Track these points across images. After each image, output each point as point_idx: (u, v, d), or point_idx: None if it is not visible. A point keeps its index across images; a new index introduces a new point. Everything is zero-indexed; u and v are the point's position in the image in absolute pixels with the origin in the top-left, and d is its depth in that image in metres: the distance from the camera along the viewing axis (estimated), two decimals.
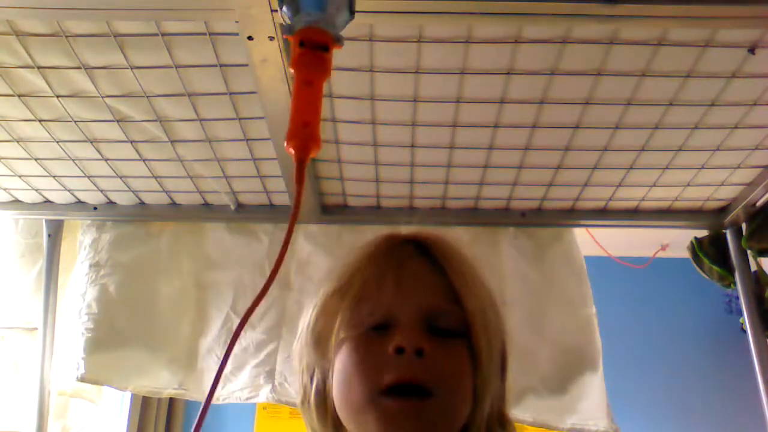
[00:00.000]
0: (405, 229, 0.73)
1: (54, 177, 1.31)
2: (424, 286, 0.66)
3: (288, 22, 0.67)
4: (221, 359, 0.56)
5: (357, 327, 0.65)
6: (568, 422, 1.36)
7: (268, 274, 1.53)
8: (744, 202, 1.33)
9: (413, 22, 0.91)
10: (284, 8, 0.67)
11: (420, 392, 0.59)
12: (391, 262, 0.68)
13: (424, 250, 0.69)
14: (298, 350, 0.72)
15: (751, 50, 0.94)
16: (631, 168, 1.25)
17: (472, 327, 0.64)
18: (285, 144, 0.61)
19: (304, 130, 0.61)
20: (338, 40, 0.66)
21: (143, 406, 2.18)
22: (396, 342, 0.61)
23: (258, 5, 0.80)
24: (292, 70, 0.64)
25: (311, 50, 0.63)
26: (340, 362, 0.64)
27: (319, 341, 0.68)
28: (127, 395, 2.14)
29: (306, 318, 0.71)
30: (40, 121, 1.13)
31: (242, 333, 1.41)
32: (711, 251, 1.43)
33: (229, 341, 1.41)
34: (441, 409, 0.60)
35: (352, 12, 0.69)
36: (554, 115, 1.10)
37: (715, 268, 1.42)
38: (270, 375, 1.38)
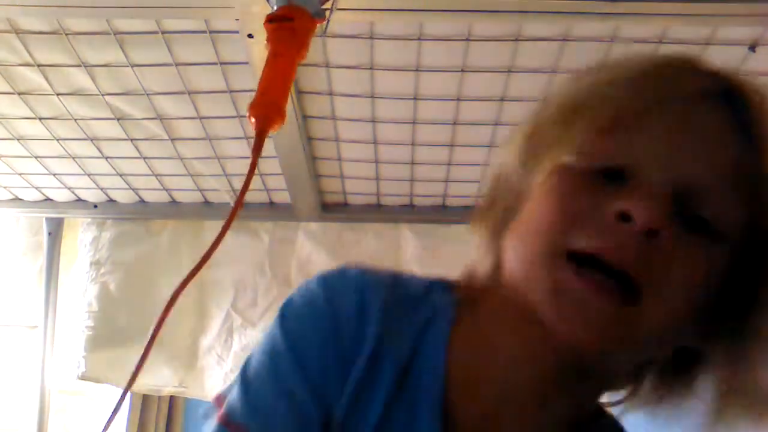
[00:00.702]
0: (709, 65, 0.48)
1: (54, 175, 1.31)
2: (704, 148, 0.43)
3: (273, 9, 0.68)
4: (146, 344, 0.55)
5: (584, 158, 0.44)
6: None
7: (268, 272, 1.53)
8: None
9: (414, 19, 0.91)
10: None
11: (624, 283, 0.40)
12: (666, 90, 0.45)
13: (727, 98, 0.45)
14: (505, 155, 0.50)
15: (752, 48, 0.94)
16: None
17: (760, 214, 0.43)
18: (247, 114, 0.61)
19: (265, 99, 0.61)
20: (317, 14, 0.66)
21: (143, 405, 2.18)
22: (625, 203, 0.41)
23: (258, 3, 0.80)
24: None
25: (278, 24, 0.64)
26: (539, 195, 0.46)
27: (530, 156, 0.48)
28: (128, 393, 2.14)
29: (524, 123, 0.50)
30: (40, 119, 1.12)
31: (243, 332, 1.42)
32: None
33: (225, 338, 1.42)
34: (643, 319, 0.41)
35: None
36: None
37: None
38: None
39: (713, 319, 0.45)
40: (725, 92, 0.45)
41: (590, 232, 0.42)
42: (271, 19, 0.65)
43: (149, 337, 0.55)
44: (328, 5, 0.69)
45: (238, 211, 0.59)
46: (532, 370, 0.46)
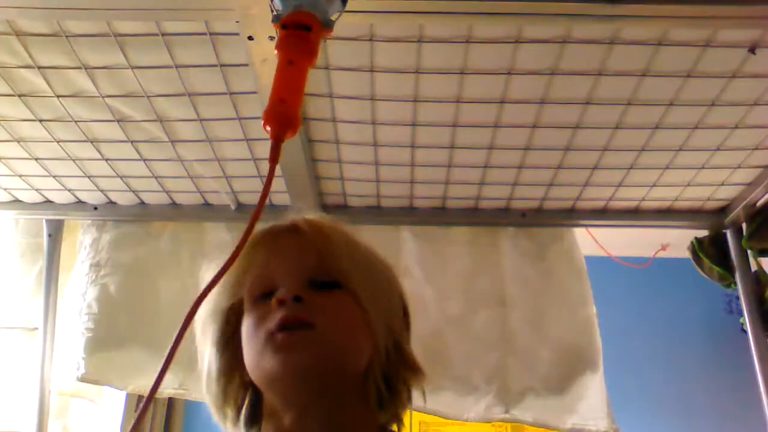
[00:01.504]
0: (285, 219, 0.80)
1: (54, 177, 1.31)
2: (296, 252, 0.73)
3: (277, 11, 0.67)
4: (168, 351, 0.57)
5: (248, 299, 0.72)
6: (568, 422, 1.36)
7: None
8: (744, 202, 1.33)
9: (414, 21, 0.91)
10: None
11: (304, 326, 0.66)
12: (266, 241, 0.75)
13: (296, 229, 0.76)
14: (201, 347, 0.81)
15: (752, 50, 0.94)
16: (631, 168, 1.25)
17: (342, 273, 0.70)
18: (262, 122, 0.61)
19: (281, 109, 0.61)
20: (327, 25, 0.66)
21: (139, 406, 2.17)
22: (277, 297, 0.68)
23: (258, 5, 0.80)
24: (275, 52, 0.64)
25: (293, 30, 0.64)
26: (242, 331, 0.72)
27: (218, 318, 0.76)
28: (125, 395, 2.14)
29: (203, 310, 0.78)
30: (40, 120, 1.13)
31: None
32: (711, 251, 1.43)
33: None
34: (325, 338, 0.66)
35: (344, 1, 0.69)
36: (554, 115, 1.10)
37: (715, 268, 1.42)
38: None
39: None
40: (293, 228, 0.76)
41: (271, 320, 0.67)
42: (285, 25, 0.64)
43: (169, 347, 0.56)
44: (334, 17, 0.69)
45: (257, 220, 0.62)
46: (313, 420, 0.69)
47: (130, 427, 2.00)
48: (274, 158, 0.61)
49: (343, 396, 0.69)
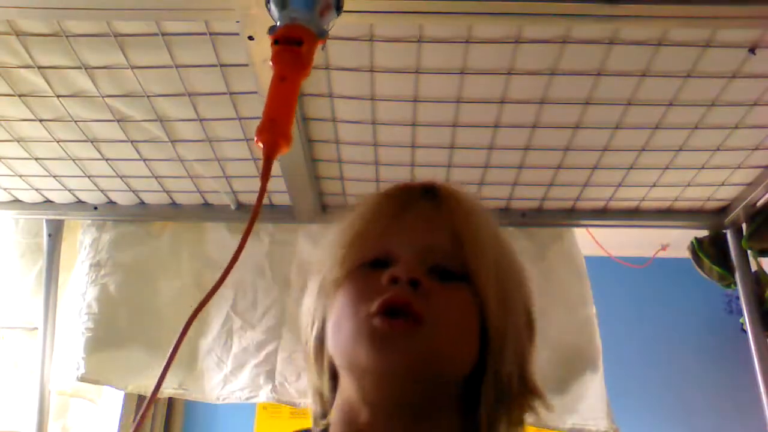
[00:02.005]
0: (420, 182, 0.70)
1: (54, 177, 1.31)
2: (427, 226, 0.64)
3: (275, 21, 0.68)
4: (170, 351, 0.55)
5: (354, 264, 0.62)
6: (568, 422, 1.36)
7: (268, 273, 1.53)
8: (744, 202, 1.33)
9: (413, 22, 0.91)
10: (270, 7, 0.68)
11: (411, 318, 0.57)
12: (394, 202, 0.66)
13: (433, 197, 0.67)
14: (305, 306, 0.70)
15: (752, 50, 0.94)
16: (631, 168, 1.25)
17: (475, 269, 0.60)
18: (255, 138, 0.61)
19: (273, 126, 0.61)
20: (321, 35, 0.66)
21: (138, 406, 2.17)
22: (390, 272, 0.58)
23: (258, 5, 0.80)
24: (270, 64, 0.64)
25: (285, 46, 0.64)
26: (336, 300, 0.62)
27: (321, 286, 0.66)
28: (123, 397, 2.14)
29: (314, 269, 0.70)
30: (40, 120, 1.13)
31: (242, 334, 1.42)
32: (711, 251, 1.43)
33: (225, 340, 1.42)
34: (434, 338, 0.57)
35: (339, 9, 0.70)
36: (554, 115, 1.10)
37: (715, 268, 1.42)
38: (270, 375, 1.38)
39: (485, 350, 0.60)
40: (429, 193, 0.67)
41: (376, 298, 0.57)
42: (277, 40, 0.64)
43: (171, 349, 0.55)
44: (328, 27, 0.69)
45: (251, 229, 0.60)
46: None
47: (128, 427, 2.01)
48: (265, 175, 0.61)
49: (431, 405, 0.60)
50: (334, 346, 0.61)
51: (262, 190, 0.61)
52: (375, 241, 0.63)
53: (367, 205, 0.67)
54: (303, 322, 0.69)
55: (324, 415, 0.67)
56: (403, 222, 0.64)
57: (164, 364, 0.55)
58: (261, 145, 0.61)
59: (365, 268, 0.62)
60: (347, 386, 0.62)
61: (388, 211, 0.65)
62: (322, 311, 0.65)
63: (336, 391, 0.65)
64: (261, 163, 1.27)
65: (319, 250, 0.71)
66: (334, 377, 0.65)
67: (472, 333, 0.60)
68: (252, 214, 0.59)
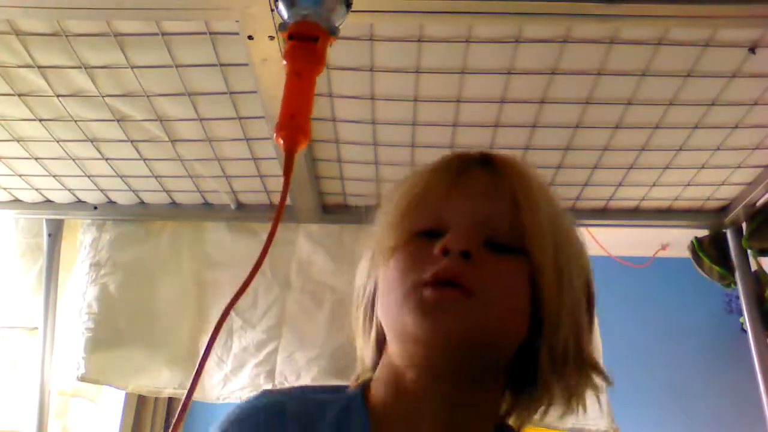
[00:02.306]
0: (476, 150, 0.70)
1: (54, 176, 1.31)
2: (484, 195, 0.63)
3: (283, 19, 0.67)
4: (201, 355, 0.55)
5: (408, 232, 0.62)
6: (568, 422, 1.36)
7: (268, 273, 1.53)
8: (744, 202, 1.33)
9: (414, 21, 0.91)
10: (279, 5, 0.68)
11: (461, 290, 0.57)
12: (450, 170, 0.65)
13: (489, 165, 0.66)
14: (359, 272, 0.71)
15: (752, 50, 0.94)
16: (631, 168, 1.25)
17: (532, 240, 0.59)
18: (274, 136, 0.61)
19: (292, 122, 0.61)
20: (332, 32, 0.66)
21: (138, 406, 2.17)
22: (443, 243, 0.58)
23: (258, 4, 0.80)
24: (284, 62, 0.64)
25: (300, 42, 0.64)
26: (387, 268, 0.62)
27: (375, 253, 0.66)
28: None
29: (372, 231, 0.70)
30: (40, 120, 1.13)
31: (242, 333, 1.42)
32: (711, 251, 1.43)
33: (225, 339, 1.42)
34: (484, 310, 0.57)
35: (348, 6, 0.70)
36: (554, 115, 1.10)
37: (715, 267, 1.42)
38: (270, 375, 1.38)
39: (536, 322, 0.60)
40: (486, 161, 0.66)
41: (427, 268, 0.58)
42: (292, 35, 0.64)
43: (203, 351, 0.55)
44: (339, 24, 0.69)
45: (276, 230, 0.59)
46: (432, 390, 0.60)
47: (128, 427, 2.00)
48: (287, 171, 0.61)
49: (478, 372, 0.60)
50: (383, 313, 0.62)
51: (286, 185, 0.60)
52: (430, 209, 0.62)
53: (423, 173, 0.67)
54: (356, 288, 0.70)
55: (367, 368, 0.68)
56: (459, 190, 0.63)
57: (195, 368, 0.56)
58: (281, 141, 0.61)
59: (419, 237, 0.61)
60: (394, 351, 0.62)
61: (445, 179, 0.64)
62: (375, 278, 0.66)
63: (379, 359, 0.66)
64: (262, 162, 1.27)
65: (374, 218, 0.71)
66: (379, 345, 0.66)
67: (524, 305, 0.59)
68: (278, 209, 0.59)
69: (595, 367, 0.63)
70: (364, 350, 0.68)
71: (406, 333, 0.58)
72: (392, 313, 0.60)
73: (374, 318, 0.66)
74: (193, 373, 0.55)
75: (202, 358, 0.54)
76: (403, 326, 0.58)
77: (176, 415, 0.51)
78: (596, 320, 1.42)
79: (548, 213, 0.62)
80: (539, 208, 0.61)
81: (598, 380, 0.63)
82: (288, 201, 1.36)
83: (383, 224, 0.66)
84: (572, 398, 0.62)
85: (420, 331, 0.56)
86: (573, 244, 0.65)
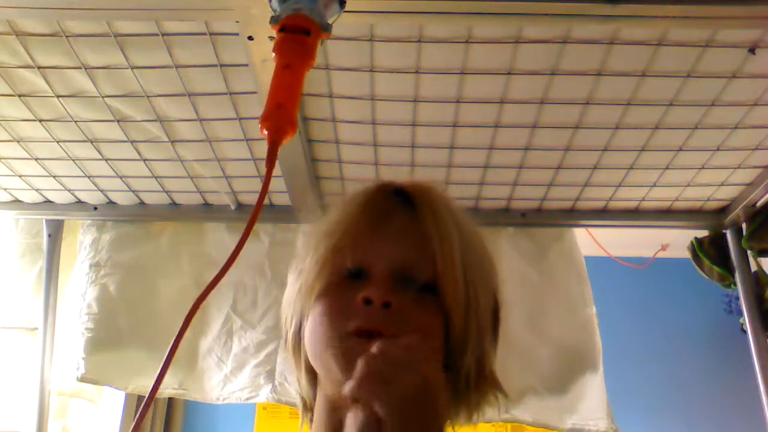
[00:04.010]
0: (399, 180, 0.73)
1: (54, 177, 1.31)
2: (401, 239, 0.66)
3: (276, 13, 0.67)
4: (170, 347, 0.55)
5: (334, 274, 0.66)
6: (568, 422, 1.36)
7: (268, 273, 1.53)
8: (744, 202, 1.33)
9: (413, 22, 0.91)
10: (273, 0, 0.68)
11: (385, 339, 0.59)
12: (374, 212, 0.68)
13: (410, 205, 0.69)
14: (286, 299, 0.73)
15: (752, 50, 0.94)
16: (631, 168, 1.25)
17: (441, 284, 0.64)
18: (259, 126, 0.61)
19: (279, 112, 0.61)
20: (325, 29, 0.66)
21: (138, 406, 2.17)
22: (364, 293, 0.62)
23: (258, 5, 0.80)
24: (273, 54, 0.64)
25: (291, 34, 0.64)
26: (314, 306, 0.66)
27: (301, 287, 0.69)
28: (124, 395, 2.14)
29: (295, 266, 0.73)
30: (40, 121, 1.13)
31: (242, 334, 1.42)
32: (711, 251, 1.43)
33: (225, 340, 1.42)
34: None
35: (342, 3, 0.70)
36: (554, 115, 1.10)
37: (715, 268, 1.42)
38: (270, 375, 1.38)
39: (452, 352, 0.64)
40: (406, 200, 0.69)
41: (351, 318, 0.61)
42: (283, 28, 0.64)
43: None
44: (332, 21, 0.69)
45: (254, 224, 0.60)
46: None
47: (129, 427, 2.01)
48: (270, 161, 0.60)
49: (409, 408, 0.60)
50: (310, 354, 0.65)
51: (268, 177, 0.60)
52: (355, 250, 0.66)
53: (347, 212, 0.69)
54: (282, 315, 0.73)
55: (308, 409, 0.72)
56: (379, 235, 0.67)
57: (162, 363, 0.55)
58: (266, 132, 0.60)
59: (342, 279, 0.65)
60: (326, 385, 0.66)
61: (366, 223, 0.67)
62: (300, 311, 0.70)
63: (314, 385, 0.69)
64: (262, 162, 1.27)
65: (301, 243, 0.73)
66: (313, 375, 0.69)
67: (439, 343, 0.63)
68: (257, 202, 0.60)
69: (495, 385, 0.67)
70: (300, 379, 0.71)
71: (331, 376, 0.62)
72: (320, 357, 0.64)
73: (302, 350, 0.69)
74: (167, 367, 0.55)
75: (171, 348, 0.54)
76: (331, 372, 0.62)
77: (140, 409, 0.51)
78: (596, 321, 1.42)
79: (460, 247, 0.66)
80: (452, 249, 0.65)
81: (498, 395, 0.68)
82: (288, 201, 1.36)
83: (309, 260, 0.68)
84: (472, 415, 0.67)
85: (347, 378, 0.55)
86: (482, 270, 0.68)
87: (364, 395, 0.51)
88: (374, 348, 0.53)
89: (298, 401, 0.74)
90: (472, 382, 0.65)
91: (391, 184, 0.73)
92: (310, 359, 0.66)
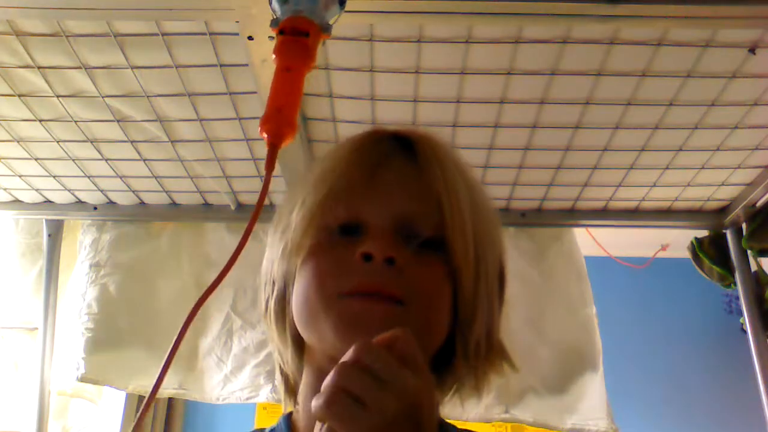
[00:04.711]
0: (395, 126, 0.66)
1: (54, 177, 1.31)
2: (402, 189, 0.59)
3: (276, 15, 0.67)
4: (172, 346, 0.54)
5: (325, 230, 0.58)
6: (568, 422, 1.36)
7: None
8: (744, 202, 1.33)
9: (413, 22, 0.91)
10: (273, 2, 0.68)
11: (390, 301, 0.53)
12: (368, 159, 0.60)
13: (409, 149, 0.62)
14: (267, 262, 0.66)
15: (752, 50, 0.94)
16: (631, 168, 1.25)
17: (451, 238, 0.56)
18: (259, 129, 0.61)
19: (279, 116, 0.60)
20: (325, 29, 0.66)
21: (139, 406, 2.17)
22: (364, 248, 0.54)
23: (258, 5, 0.80)
24: (273, 57, 0.64)
25: (291, 37, 0.64)
26: (302, 268, 0.59)
27: (286, 247, 0.61)
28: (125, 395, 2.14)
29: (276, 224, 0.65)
30: (40, 121, 1.13)
31: (242, 334, 1.42)
32: (711, 251, 1.43)
33: (225, 340, 1.41)
34: (415, 319, 0.53)
35: (342, 4, 0.70)
36: (554, 115, 1.10)
37: (715, 268, 1.42)
38: (270, 375, 1.38)
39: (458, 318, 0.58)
40: (411, 147, 0.62)
41: (349, 276, 0.54)
42: (282, 30, 0.64)
43: (169, 348, 0.54)
44: (332, 21, 0.69)
45: (254, 225, 0.58)
46: None
47: (129, 427, 2.01)
48: (270, 164, 0.59)
49: None
50: (299, 320, 0.58)
51: (267, 180, 0.59)
52: (348, 202, 0.58)
53: (341, 159, 0.62)
54: (262, 280, 0.66)
55: (290, 389, 0.64)
56: (376, 183, 0.59)
57: (163, 363, 0.55)
58: (265, 135, 0.59)
59: (335, 235, 0.58)
60: (317, 357, 0.58)
61: (361, 169, 0.59)
62: (285, 274, 0.62)
63: (302, 359, 0.62)
64: (262, 162, 1.27)
65: (284, 197, 0.66)
66: (299, 346, 0.62)
67: (448, 306, 0.57)
68: (257, 204, 0.58)
69: (504, 355, 0.62)
70: (283, 354, 0.63)
71: (325, 343, 0.55)
72: (312, 322, 0.56)
73: (287, 318, 0.61)
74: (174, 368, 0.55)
75: (172, 348, 0.54)
76: (325, 337, 0.54)
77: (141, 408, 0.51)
78: (596, 321, 1.42)
79: (468, 199, 0.59)
80: (460, 200, 0.58)
81: (505, 365, 0.62)
82: None
83: (297, 216, 0.60)
84: (480, 385, 0.61)
85: (345, 345, 0.46)
86: (490, 231, 0.61)
87: (329, 419, 0.42)
88: (350, 354, 0.44)
89: (278, 381, 0.66)
90: (482, 353, 0.59)
91: (386, 129, 0.65)
92: (298, 327, 0.59)
